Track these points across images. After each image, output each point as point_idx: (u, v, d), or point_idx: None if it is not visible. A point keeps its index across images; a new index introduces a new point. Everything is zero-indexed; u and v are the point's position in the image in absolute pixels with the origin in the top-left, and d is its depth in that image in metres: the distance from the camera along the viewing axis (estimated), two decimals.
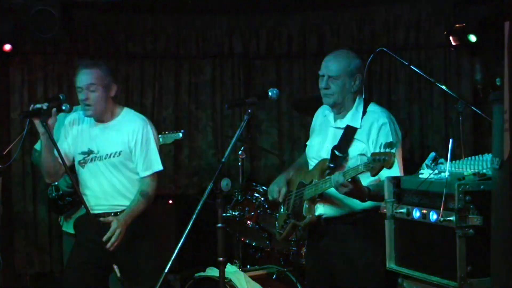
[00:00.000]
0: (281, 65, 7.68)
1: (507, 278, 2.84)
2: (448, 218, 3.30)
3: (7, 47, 6.70)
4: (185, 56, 7.59)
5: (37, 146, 5.48)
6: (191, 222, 3.69)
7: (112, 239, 4.42)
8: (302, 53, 7.52)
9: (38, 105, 4.38)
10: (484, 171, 3.44)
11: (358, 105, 4.14)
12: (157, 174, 4.66)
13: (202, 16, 7.50)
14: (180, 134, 5.95)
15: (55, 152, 4.40)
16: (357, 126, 4.08)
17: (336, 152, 4.02)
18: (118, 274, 4.24)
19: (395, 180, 3.69)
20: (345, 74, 4.10)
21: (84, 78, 4.51)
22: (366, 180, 3.87)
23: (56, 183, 5.36)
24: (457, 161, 3.67)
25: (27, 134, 6.68)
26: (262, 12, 7.51)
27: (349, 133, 4.07)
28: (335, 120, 4.20)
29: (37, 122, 4.36)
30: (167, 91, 7.59)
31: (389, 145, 3.65)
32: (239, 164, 6.16)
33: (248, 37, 7.57)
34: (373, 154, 3.64)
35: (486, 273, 3.18)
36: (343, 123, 4.14)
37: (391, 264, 3.70)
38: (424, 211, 3.48)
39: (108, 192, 4.60)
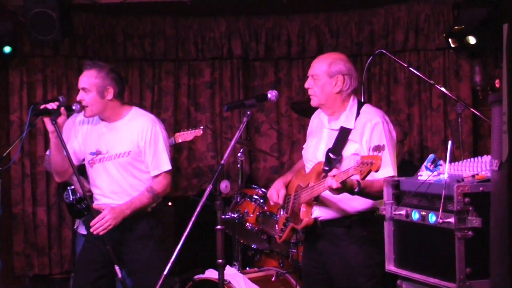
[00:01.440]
0: (280, 67, 7.69)
1: (506, 280, 2.84)
2: (447, 220, 3.30)
3: (7, 49, 6.70)
4: (184, 58, 7.59)
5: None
6: (190, 224, 3.69)
7: (97, 224, 4.42)
8: (301, 55, 7.52)
9: (48, 105, 4.44)
10: (483, 172, 3.44)
11: (352, 106, 4.16)
12: (168, 174, 4.67)
13: (201, 18, 7.51)
14: (201, 131, 6.03)
15: (64, 151, 4.43)
16: (351, 127, 4.09)
17: (331, 155, 4.04)
18: (119, 275, 4.24)
19: (394, 182, 3.69)
20: (324, 75, 4.13)
21: (81, 80, 4.59)
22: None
23: (72, 187, 5.37)
24: (456, 163, 3.68)
25: (27, 136, 6.73)
26: (261, 14, 7.51)
27: (343, 135, 4.09)
28: (329, 122, 4.22)
29: (47, 120, 4.43)
30: (166, 93, 7.59)
31: (377, 148, 3.66)
32: (238, 166, 6.17)
33: (247, 39, 7.57)
34: (362, 157, 3.65)
35: (485, 275, 3.18)
36: (337, 124, 4.15)
37: (390, 266, 3.70)
38: (423, 213, 3.48)
39: (116, 192, 4.61)
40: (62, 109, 4.43)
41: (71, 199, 5.43)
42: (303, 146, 4.46)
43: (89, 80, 4.54)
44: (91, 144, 4.66)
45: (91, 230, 4.45)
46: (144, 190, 4.59)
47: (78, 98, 4.55)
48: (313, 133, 4.38)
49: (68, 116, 4.59)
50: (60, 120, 4.43)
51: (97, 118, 4.68)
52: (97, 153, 4.63)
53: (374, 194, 3.93)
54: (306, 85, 4.22)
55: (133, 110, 4.71)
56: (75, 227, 5.65)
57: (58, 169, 4.64)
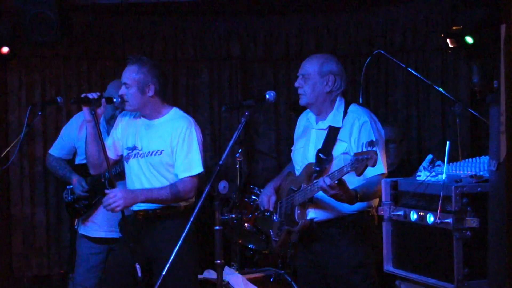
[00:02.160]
0: (279, 67, 7.68)
1: (504, 280, 2.84)
2: (445, 220, 3.31)
3: (5, 49, 6.68)
4: (183, 59, 7.58)
5: (52, 151, 5.48)
6: (188, 225, 3.69)
7: (106, 201, 4.39)
8: (300, 55, 7.50)
9: (89, 94, 4.47)
10: (481, 173, 3.45)
11: (339, 106, 4.17)
12: (195, 178, 4.52)
13: (199, 19, 7.50)
14: None
15: (100, 142, 4.44)
16: (339, 125, 4.09)
17: (321, 155, 4.04)
18: (139, 274, 4.21)
19: (393, 183, 3.70)
20: (315, 74, 4.16)
21: (123, 74, 4.59)
22: (353, 183, 3.88)
23: (71, 186, 5.38)
24: (454, 163, 3.68)
25: (25, 137, 6.70)
26: (259, 15, 7.51)
27: (332, 134, 4.11)
28: (317, 122, 4.23)
29: (86, 109, 4.45)
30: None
31: (370, 143, 3.67)
32: (237, 166, 6.16)
33: (246, 39, 7.57)
34: (356, 154, 3.65)
35: (483, 275, 3.19)
36: (325, 124, 4.17)
37: (388, 267, 3.71)
38: (421, 213, 3.49)
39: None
40: (103, 100, 4.47)
41: (69, 198, 5.44)
42: (291, 149, 4.47)
43: (130, 75, 4.54)
44: (129, 138, 4.66)
45: (103, 206, 4.42)
46: (167, 186, 4.49)
47: (120, 92, 4.55)
48: (301, 135, 4.40)
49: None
50: (98, 111, 4.46)
51: (138, 113, 4.69)
52: (133, 148, 4.62)
53: (372, 195, 3.95)
54: (296, 84, 4.24)
55: (173, 110, 4.69)
56: (75, 226, 5.65)
57: (94, 161, 4.62)
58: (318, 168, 4.02)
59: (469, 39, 6.28)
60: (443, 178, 3.38)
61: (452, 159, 3.73)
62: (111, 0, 6.73)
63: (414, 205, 3.56)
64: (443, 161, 3.56)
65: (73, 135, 5.44)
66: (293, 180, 4.28)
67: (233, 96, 7.63)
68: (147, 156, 4.56)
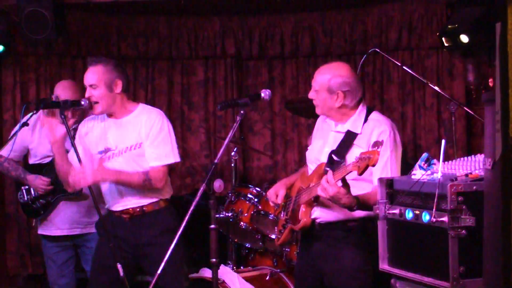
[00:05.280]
0: (274, 66, 7.68)
1: (499, 278, 2.84)
2: (441, 219, 3.31)
3: None
4: (178, 57, 7.59)
5: (3, 152, 5.36)
6: (183, 224, 3.69)
7: (73, 178, 4.33)
8: (295, 54, 7.52)
9: (57, 99, 4.47)
10: (477, 171, 3.45)
11: (361, 112, 4.12)
12: (167, 167, 4.52)
13: (194, 17, 7.50)
14: None
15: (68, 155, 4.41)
16: (358, 131, 4.06)
17: (334, 157, 4.01)
18: (121, 274, 4.19)
19: (388, 181, 3.70)
20: (324, 90, 4.09)
21: (87, 77, 4.55)
22: (356, 191, 3.87)
23: (26, 186, 5.32)
24: (450, 162, 3.68)
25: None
26: (254, 13, 7.51)
27: (349, 138, 4.06)
28: (336, 124, 4.19)
29: (56, 112, 4.43)
30: (160, 92, 7.58)
31: (376, 144, 3.65)
32: (232, 165, 6.17)
33: (241, 38, 7.57)
34: (361, 153, 3.63)
35: (478, 274, 3.18)
36: (343, 127, 4.12)
37: (383, 265, 3.71)
38: (417, 212, 3.49)
39: (124, 189, 4.52)
40: (69, 103, 4.45)
41: (25, 199, 5.34)
42: (308, 148, 4.44)
43: (96, 75, 4.51)
44: (98, 143, 4.60)
45: (70, 180, 4.35)
46: (140, 171, 4.47)
47: (87, 95, 4.51)
48: (319, 135, 4.35)
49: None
50: (68, 114, 4.46)
51: (102, 116, 4.64)
52: (106, 150, 4.56)
53: (373, 206, 3.88)
54: (310, 96, 4.18)
55: (140, 106, 4.67)
56: (33, 224, 5.58)
57: (66, 177, 4.51)
58: (328, 169, 3.99)
59: (464, 38, 6.29)
60: (439, 177, 3.38)
61: (448, 157, 3.73)
62: None
63: (410, 203, 3.56)
64: (438, 160, 3.55)
65: (25, 137, 5.37)
66: (304, 179, 4.26)
67: (228, 94, 7.64)
68: (125, 152, 4.53)
